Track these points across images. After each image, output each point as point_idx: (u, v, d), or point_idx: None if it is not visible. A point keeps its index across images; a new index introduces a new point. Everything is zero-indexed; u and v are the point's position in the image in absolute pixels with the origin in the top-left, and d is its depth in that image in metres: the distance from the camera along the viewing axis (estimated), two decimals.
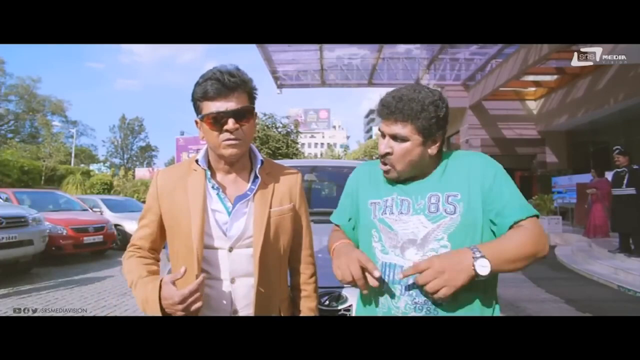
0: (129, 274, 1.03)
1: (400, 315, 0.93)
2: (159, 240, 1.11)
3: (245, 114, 1.00)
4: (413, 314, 0.92)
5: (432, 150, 0.98)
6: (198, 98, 1.00)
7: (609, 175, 6.83)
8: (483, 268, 0.84)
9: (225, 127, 0.98)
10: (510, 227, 0.92)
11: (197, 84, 1.00)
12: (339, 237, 1.09)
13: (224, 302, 1.02)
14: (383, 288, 0.96)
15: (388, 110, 0.96)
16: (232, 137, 0.99)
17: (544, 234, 0.93)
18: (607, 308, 4.14)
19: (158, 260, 1.11)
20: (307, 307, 1.13)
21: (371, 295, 0.99)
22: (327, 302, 1.47)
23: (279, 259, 1.09)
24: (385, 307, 0.96)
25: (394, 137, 0.97)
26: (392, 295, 0.95)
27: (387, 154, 0.98)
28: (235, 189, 1.06)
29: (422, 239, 0.94)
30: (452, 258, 0.86)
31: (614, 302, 4.42)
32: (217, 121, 0.98)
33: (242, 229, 1.03)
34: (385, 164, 1.01)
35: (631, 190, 5.70)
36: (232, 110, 0.97)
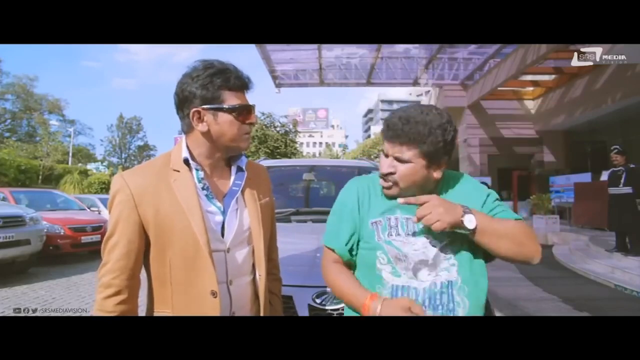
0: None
1: None
2: (139, 259, 0.95)
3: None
4: None
5: (437, 174, 0.96)
6: (220, 86, 0.95)
7: (605, 175, 6.84)
8: (469, 222, 0.89)
9: (249, 120, 1.01)
10: None
11: (213, 75, 0.95)
12: (352, 281, 0.99)
13: (223, 306, 0.96)
14: None
15: (394, 132, 0.93)
16: (250, 130, 1.03)
17: (535, 236, 0.96)
18: (604, 307, 4.16)
19: (136, 297, 0.96)
20: (278, 289, 1.21)
21: None
22: (324, 302, 1.47)
23: (267, 251, 1.11)
24: None
25: (398, 159, 0.94)
26: None
27: (390, 173, 0.96)
28: (219, 185, 1.03)
29: (433, 259, 0.93)
30: (448, 202, 0.91)
31: (611, 300, 4.45)
32: (243, 113, 0.99)
33: (237, 227, 1.01)
34: (386, 182, 0.98)
35: (628, 189, 5.74)
36: (254, 105, 1.02)
